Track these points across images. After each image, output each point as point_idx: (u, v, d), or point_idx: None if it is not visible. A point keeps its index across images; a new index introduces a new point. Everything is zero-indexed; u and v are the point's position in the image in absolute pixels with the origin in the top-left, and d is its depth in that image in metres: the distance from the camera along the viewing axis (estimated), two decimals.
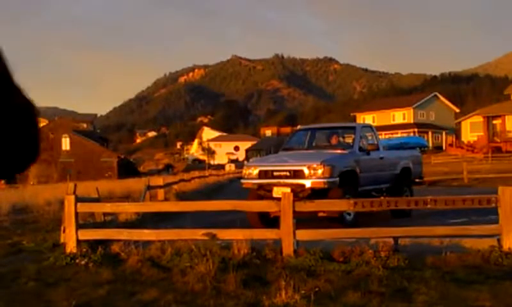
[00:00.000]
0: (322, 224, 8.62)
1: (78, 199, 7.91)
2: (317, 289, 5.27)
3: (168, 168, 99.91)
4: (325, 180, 9.78)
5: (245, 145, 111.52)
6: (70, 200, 7.70)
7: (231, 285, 5.57)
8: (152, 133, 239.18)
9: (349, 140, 11.85)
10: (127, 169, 69.58)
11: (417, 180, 12.89)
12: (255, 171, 10.55)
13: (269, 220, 9.40)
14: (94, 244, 7.48)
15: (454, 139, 63.82)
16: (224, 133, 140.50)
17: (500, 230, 6.74)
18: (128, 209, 10.52)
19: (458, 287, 5.34)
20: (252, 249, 6.84)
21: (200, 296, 5.34)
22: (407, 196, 11.32)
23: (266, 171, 10.43)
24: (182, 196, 18.68)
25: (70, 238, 7.53)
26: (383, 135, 41.64)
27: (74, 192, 9.29)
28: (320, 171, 9.82)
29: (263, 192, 10.17)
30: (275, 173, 10.28)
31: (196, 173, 35.62)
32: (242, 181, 10.86)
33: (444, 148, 62.49)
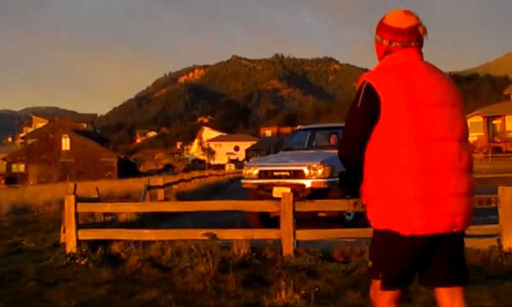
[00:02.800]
0: (322, 224, 8.63)
1: (78, 199, 7.90)
2: (317, 289, 5.27)
3: (168, 168, 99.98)
4: (325, 180, 9.78)
5: (245, 145, 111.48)
6: (70, 200, 7.70)
7: (231, 285, 5.57)
8: (152, 133, 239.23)
9: None
10: (127, 169, 69.63)
11: None
12: (255, 171, 10.54)
13: (269, 220, 9.40)
14: (94, 244, 7.48)
15: None
16: (224, 134, 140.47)
17: (500, 230, 6.74)
18: (128, 209, 10.52)
19: None
20: (252, 249, 6.84)
21: (200, 296, 5.34)
22: None
23: (266, 171, 10.43)
24: (182, 196, 18.68)
25: (70, 238, 7.53)
26: None
27: (74, 192, 9.30)
28: (320, 171, 9.82)
29: (263, 192, 10.17)
30: (275, 173, 10.28)
31: (196, 173, 35.65)
32: (242, 181, 10.86)
33: None
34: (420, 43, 2.56)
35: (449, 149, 2.47)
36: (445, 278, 2.58)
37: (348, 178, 10.24)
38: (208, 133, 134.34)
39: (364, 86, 2.50)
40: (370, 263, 2.70)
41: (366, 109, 2.48)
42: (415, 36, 2.53)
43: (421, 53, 2.58)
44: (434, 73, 2.56)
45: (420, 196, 2.42)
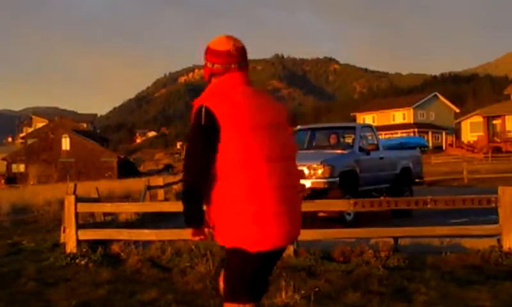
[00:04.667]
0: (322, 224, 8.63)
1: (78, 199, 7.90)
2: (317, 289, 5.27)
3: (168, 168, 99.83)
4: (325, 180, 9.78)
5: None
6: (70, 200, 7.70)
7: None
8: (152, 133, 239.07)
9: (349, 140, 11.86)
10: (127, 169, 69.54)
11: (417, 180, 12.88)
12: None
13: None
14: (94, 244, 7.48)
15: (454, 139, 63.82)
16: None
17: (500, 230, 6.74)
18: (128, 209, 10.51)
19: (458, 287, 5.34)
20: None
21: (200, 296, 5.34)
22: (407, 196, 11.31)
23: None
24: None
25: (70, 238, 7.53)
26: (383, 135, 41.61)
27: (74, 192, 9.29)
28: (320, 171, 9.82)
29: None
30: None
31: None
32: None
33: (444, 148, 62.49)
34: (241, 66, 2.72)
35: (280, 168, 2.61)
36: (263, 292, 2.76)
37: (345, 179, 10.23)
38: None
39: (203, 109, 2.58)
40: (223, 286, 2.79)
41: (209, 133, 2.57)
42: (233, 58, 2.70)
43: (245, 76, 2.74)
44: (260, 95, 2.72)
45: (259, 214, 2.55)
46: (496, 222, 6.86)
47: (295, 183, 2.71)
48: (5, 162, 67.01)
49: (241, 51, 2.74)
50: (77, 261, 7.01)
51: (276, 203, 2.57)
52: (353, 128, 12.19)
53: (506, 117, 54.30)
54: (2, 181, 58.33)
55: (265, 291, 2.80)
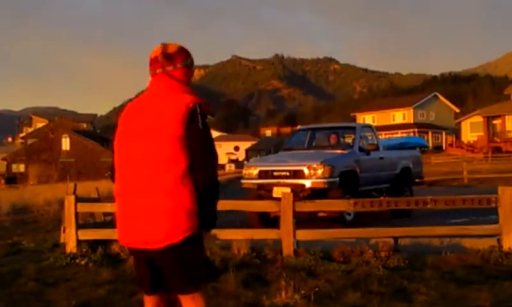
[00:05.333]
0: (322, 224, 8.63)
1: (78, 199, 7.90)
2: (317, 289, 5.27)
3: None
4: (325, 180, 9.78)
5: (245, 145, 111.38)
6: (70, 200, 7.69)
7: (231, 285, 5.57)
8: None
9: (349, 140, 11.86)
10: None
11: (417, 180, 12.88)
12: (255, 171, 10.55)
13: (269, 220, 9.40)
14: (94, 244, 7.48)
15: (454, 139, 63.83)
16: (224, 133, 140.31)
17: (500, 230, 6.74)
18: None
19: (458, 287, 5.34)
20: (252, 249, 6.84)
21: None
22: (407, 196, 11.31)
23: (266, 171, 10.43)
24: None
25: (70, 238, 7.53)
26: (383, 135, 41.62)
27: (74, 192, 9.29)
28: (320, 171, 9.82)
29: (263, 192, 10.17)
30: (275, 173, 10.28)
31: None
32: (242, 181, 10.86)
33: (444, 148, 62.49)
34: (166, 71, 2.82)
35: (137, 173, 2.76)
36: (167, 287, 2.96)
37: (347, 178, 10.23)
38: None
39: None
40: None
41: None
42: (157, 64, 2.84)
43: (166, 80, 2.80)
44: (151, 101, 2.79)
45: (119, 215, 2.92)
46: (496, 222, 6.87)
47: (155, 189, 2.70)
48: (5, 162, 67.02)
49: (169, 56, 2.83)
50: (77, 261, 7.01)
51: (122, 207, 2.89)
52: (353, 128, 12.20)
53: (506, 117, 54.28)
54: (2, 181, 58.29)
55: (164, 288, 2.98)
